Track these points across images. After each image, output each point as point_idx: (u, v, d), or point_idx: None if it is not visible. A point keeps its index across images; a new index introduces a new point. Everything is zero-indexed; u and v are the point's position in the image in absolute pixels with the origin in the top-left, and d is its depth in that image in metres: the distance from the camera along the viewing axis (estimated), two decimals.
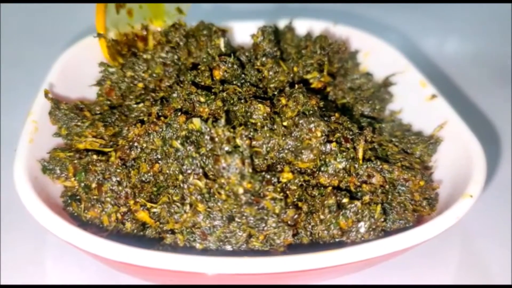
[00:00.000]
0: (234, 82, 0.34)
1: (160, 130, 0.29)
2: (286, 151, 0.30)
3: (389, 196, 0.31)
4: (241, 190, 0.27)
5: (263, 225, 0.27)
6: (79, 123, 0.32)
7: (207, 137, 0.28)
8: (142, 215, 0.29)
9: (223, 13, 0.62)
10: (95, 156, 0.30)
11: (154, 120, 0.30)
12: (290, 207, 0.28)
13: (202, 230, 0.27)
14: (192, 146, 0.28)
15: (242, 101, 0.32)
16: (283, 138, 0.30)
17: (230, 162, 0.27)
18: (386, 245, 0.26)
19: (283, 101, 0.32)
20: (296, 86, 0.33)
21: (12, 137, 0.32)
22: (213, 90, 0.33)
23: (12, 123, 0.36)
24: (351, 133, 0.32)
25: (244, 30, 0.43)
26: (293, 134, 0.30)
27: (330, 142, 0.30)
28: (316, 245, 0.29)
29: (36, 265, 0.32)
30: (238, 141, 0.28)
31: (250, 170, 0.27)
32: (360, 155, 0.31)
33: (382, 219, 0.29)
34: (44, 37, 0.55)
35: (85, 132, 0.32)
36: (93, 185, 0.29)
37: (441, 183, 0.32)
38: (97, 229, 0.29)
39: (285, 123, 0.31)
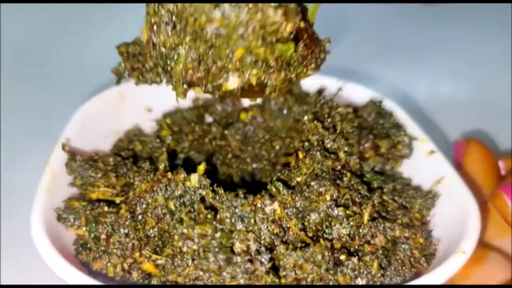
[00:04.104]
0: None
1: (164, 187, 0.31)
2: (294, 210, 0.31)
3: (389, 252, 0.32)
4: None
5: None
6: (92, 174, 0.34)
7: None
8: (147, 266, 0.30)
9: None
10: (106, 208, 0.32)
11: (159, 177, 0.31)
12: None
13: (205, 282, 0.28)
14: (184, 208, 0.30)
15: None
16: (293, 197, 0.31)
17: None
18: None
19: (301, 155, 0.34)
20: (316, 143, 0.34)
21: (28, 186, 0.34)
22: None
23: (25, 173, 0.39)
24: (359, 196, 0.33)
25: None
26: (303, 194, 0.31)
27: (338, 206, 0.31)
28: None
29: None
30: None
31: None
32: (365, 219, 0.31)
33: (380, 275, 0.30)
34: (59, 86, 0.57)
35: (98, 182, 0.34)
36: (102, 236, 0.30)
37: (438, 239, 0.33)
38: (106, 277, 0.30)
39: (298, 179, 0.32)
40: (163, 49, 0.29)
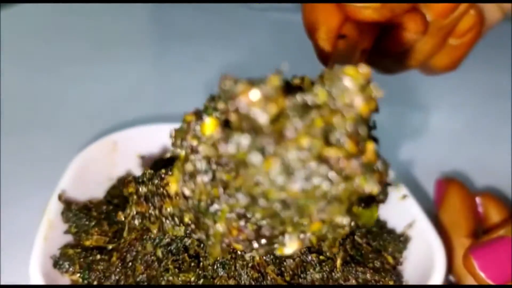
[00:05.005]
0: None
1: (152, 236, 0.33)
2: (272, 256, 0.33)
3: None
4: None
5: None
6: (87, 222, 0.37)
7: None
8: None
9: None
10: (98, 256, 0.34)
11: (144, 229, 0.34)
12: None
13: None
14: (170, 256, 0.32)
15: None
16: None
17: None
18: None
19: None
20: None
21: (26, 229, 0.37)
22: None
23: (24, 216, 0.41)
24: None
25: None
26: None
27: (312, 252, 0.33)
28: None
29: None
30: None
31: None
32: (338, 264, 0.34)
33: None
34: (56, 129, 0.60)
35: (91, 230, 0.37)
36: (95, 283, 0.33)
37: (408, 282, 0.36)
38: None
39: None
40: (196, 203, 0.25)
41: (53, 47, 0.77)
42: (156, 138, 0.48)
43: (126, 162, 0.46)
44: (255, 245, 0.25)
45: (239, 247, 0.25)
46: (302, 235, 0.24)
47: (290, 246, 0.24)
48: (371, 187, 0.23)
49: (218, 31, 0.83)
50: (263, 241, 0.24)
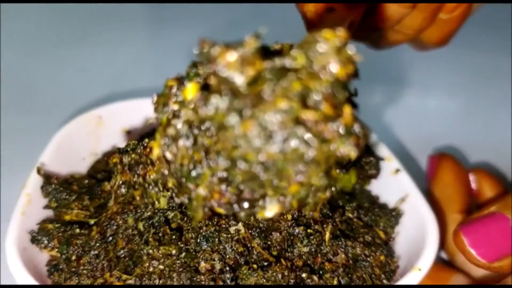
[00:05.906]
0: None
1: (133, 209, 0.32)
2: (258, 229, 0.32)
3: (350, 270, 0.33)
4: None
5: None
6: (66, 196, 0.36)
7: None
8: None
9: None
10: (78, 230, 0.33)
11: (130, 199, 0.33)
12: None
13: None
14: (152, 229, 0.31)
15: None
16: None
17: None
18: None
19: None
20: None
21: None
22: None
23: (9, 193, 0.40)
24: (320, 215, 0.34)
25: None
26: None
27: (299, 225, 0.32)
28: None
29: None
30: None
31: None
32: (327, 238, 0.33)
33: None
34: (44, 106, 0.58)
35: (71, 204, 0.35)
36: (73, 258, 0.32)
37: (399, 257, 0.35)
38: None
39: None
40: (179, 167, 0.25)
41: (44, 28, 0.75)
42: (142, 112, 0.47)
43: (111, 137, 0.45)
44: (236, 208, 0.25)
45: (221, 210, 0.25)
46: (282, 198, 0.25)
47: (270, 209, 0.25)
48: (347, 149, 0.23)
49: (211, 8, 0.81)
50: (245, 204, 0.25)
